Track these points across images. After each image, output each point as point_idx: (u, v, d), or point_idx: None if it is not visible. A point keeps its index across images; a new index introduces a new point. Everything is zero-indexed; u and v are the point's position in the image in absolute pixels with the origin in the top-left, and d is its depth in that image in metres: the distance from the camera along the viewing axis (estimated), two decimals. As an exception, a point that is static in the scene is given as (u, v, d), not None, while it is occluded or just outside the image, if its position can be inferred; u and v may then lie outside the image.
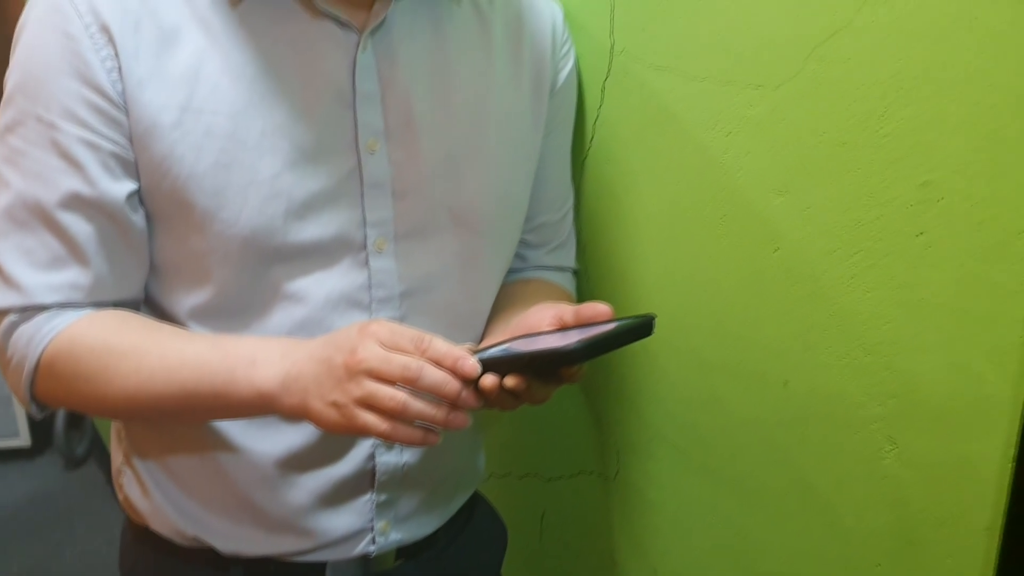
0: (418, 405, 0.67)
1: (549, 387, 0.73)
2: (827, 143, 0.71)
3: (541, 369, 0.70)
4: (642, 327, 0.70)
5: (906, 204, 0.67)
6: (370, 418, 0.68)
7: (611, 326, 0.70)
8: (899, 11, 0.65)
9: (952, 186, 0.64)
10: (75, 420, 2.98)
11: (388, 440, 0.69)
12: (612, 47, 0.91)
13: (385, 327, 0.69)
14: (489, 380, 0.69)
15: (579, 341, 0.66)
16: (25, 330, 0.77)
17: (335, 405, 0.69)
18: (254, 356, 0.74)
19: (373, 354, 0.68)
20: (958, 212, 0.64)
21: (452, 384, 0.68)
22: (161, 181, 0.76)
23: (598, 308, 0.74)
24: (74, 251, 0.76)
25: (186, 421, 0.83)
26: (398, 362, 0.67)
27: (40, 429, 2.97)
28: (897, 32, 0.65)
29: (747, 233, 0.80)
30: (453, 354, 0.68)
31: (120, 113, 0.74)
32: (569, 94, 0.95)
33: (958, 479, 0.68)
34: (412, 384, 0.67)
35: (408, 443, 0.69)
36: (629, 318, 0.71)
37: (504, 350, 0.71)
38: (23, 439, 2.95)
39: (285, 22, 0.77)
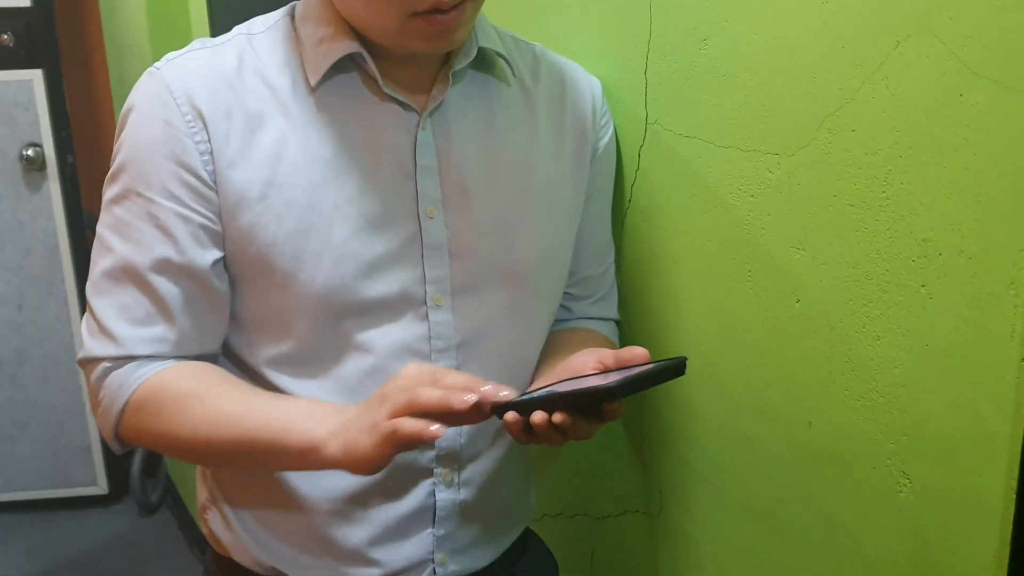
0: (435, 393, 0.74)
1: (593, 424, 0.80)
2: (838, 204, 0.79)
3: (585, 406, 0.77)
4: (676, 367, 0.77)
5: (909, 259, 0.74)
6: (397, 422, 0.73)
7: (648, 367, 0.78)
8: (896, 88, 0.72)
9: (949, 243, 0.71)
10: (150, 468, 3.10)
11: (408, 438, 0.73)
12: (646, 118, 0.99)
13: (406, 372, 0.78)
14: (539, 417, 0.76)
15: (618, 380, 0.74)
16: (117, 375, 0.87)
17: (371, 428, 0.75)
18: (313, 412, 0.82)
19: (399, 376, 0.77)
20: (955, 266, 0.70)
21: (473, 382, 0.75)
22: (248, 247, 0.86)
23: (636, 351, 0.81)
24: (162, 309, 0.86)
25: (243, 466, 0.92)
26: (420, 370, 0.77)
27: (117, 477, 3.08)
28: (895, 106, 0.73)
29: (771, 286, 0.87)
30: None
31: (210, 191, 0.85)
32: (609, 160, 1.03)
33: (967, 510, 0.73)
34: (435, 381, 0.75)
35: (421, 435, 0.73)
36: (664, 360, 0.79)
37: (550, 391, 0.79)
38: (101, 487, 3.07)
39: (355, 105, 0.88)
